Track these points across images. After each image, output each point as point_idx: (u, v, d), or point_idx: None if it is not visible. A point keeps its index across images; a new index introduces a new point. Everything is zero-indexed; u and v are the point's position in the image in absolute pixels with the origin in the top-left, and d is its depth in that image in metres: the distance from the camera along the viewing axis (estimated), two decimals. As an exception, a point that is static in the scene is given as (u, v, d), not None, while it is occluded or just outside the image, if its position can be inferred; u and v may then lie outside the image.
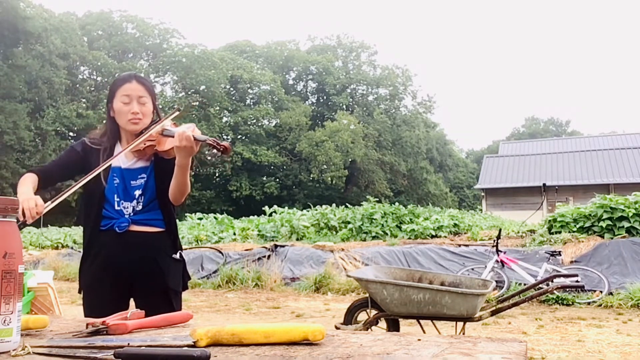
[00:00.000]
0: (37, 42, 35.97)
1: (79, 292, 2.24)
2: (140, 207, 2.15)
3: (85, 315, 2.08)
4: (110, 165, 2.14)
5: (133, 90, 2.16)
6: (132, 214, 2.14)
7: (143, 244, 2.13)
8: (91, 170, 2.10)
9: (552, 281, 5.31)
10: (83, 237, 2.25)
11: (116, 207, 2.14)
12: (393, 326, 4.14)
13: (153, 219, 2.17)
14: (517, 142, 45.13)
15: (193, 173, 2.17)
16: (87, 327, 1.20)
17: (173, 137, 2.04)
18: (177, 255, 2.24)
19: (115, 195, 2.14)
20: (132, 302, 2.22)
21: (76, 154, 2.21)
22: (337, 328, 4.08)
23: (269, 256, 10.09)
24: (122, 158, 2.17)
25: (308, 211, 15.37)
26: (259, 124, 45.18)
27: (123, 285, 2.14)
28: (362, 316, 4.35)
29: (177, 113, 2.31)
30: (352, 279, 5.39)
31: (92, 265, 2.16)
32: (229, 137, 42.52)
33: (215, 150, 1.97)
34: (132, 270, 2.12)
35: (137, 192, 2.15)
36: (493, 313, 3.89)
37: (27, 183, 2.06)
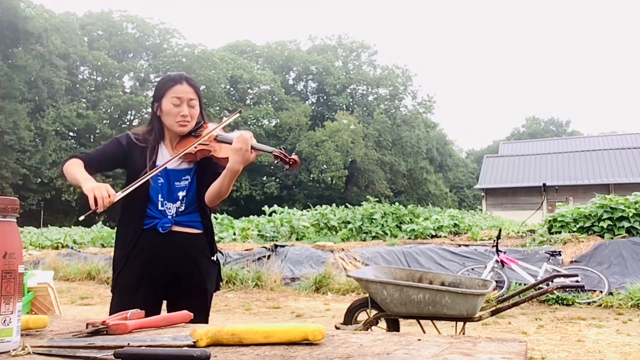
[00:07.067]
0: (37, 42, 35.99)
1: (112, 292, 2.18)
2: (183, 208, 2.14)
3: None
4: (156, 164, 2.12)
5: (184, 92, 2.15)
6: (174, 215, 2.13)
7: (184, 244, 2.13)
8: (133, 165, 2.13)
9: (552, 281, 5.31)
10: (117, 235, 2.20)
11: (159, 207, 2.12)
12: (393, 326, 4.14)
13: (193, 220, 2.17)
14: (517, 142, 45.14)
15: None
16: (87, 327, 1.20)
17: (228, 143, 2.04)
18: (214, 258, 2.24)
19: (160, 195, 2.12)
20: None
21: (121, 147, 2.17)
22: (337, 328, 4.08)
23: (269, 256, 10.08)
24: (168, 158, 2.15)
25: (308, 211, 15.38)
26: (259, 124, 45.17)
27: (160, 285, 2.12)
28: (362, 316, 4.34)
29: (237, 115, 2.31)
30: (352, 279, 5.39)
31: (132, 265, 2.12)
32: (229, 137, 42.49)
33: (284, 165, 1.99)
34: (173, 270, 2.11)
35: (181, 194, 2.14)
36: (493, 313, 3.89)
37: (80, 168, 2.02)
